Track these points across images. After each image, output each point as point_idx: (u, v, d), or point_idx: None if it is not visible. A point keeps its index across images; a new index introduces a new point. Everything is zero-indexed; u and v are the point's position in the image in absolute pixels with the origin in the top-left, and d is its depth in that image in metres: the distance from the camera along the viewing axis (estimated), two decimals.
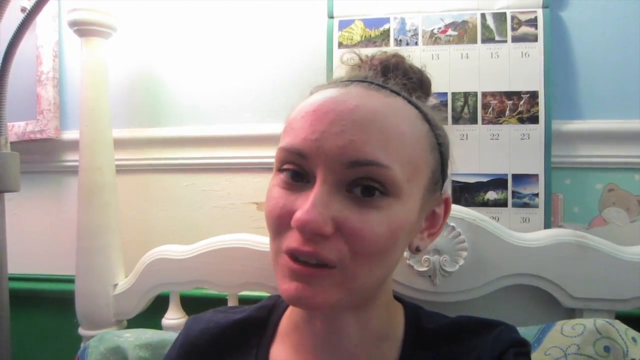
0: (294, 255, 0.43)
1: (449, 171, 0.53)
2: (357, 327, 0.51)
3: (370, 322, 0.51)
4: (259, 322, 0.58)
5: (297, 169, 0.44)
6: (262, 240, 0.80)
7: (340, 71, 0.57)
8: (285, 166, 0.45)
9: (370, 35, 0.88)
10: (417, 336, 0.53)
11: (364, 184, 0.43)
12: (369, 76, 0.50)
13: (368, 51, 0.57)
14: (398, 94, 0.48)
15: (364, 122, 0.43)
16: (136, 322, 0.87)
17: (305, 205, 0.41)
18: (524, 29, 0.83)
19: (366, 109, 0.43)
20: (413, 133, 0.46)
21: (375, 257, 0.44)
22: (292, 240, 0.43)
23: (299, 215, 0.41)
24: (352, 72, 0.52)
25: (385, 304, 0.53)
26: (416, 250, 0.51)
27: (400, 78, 0.50)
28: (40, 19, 1.02)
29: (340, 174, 0.42)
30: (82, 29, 0.86)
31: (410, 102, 0.48)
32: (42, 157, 1.08)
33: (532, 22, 0.83)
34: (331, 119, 0.43)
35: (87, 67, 0.87)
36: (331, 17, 0.90)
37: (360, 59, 0.55)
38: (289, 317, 0.57)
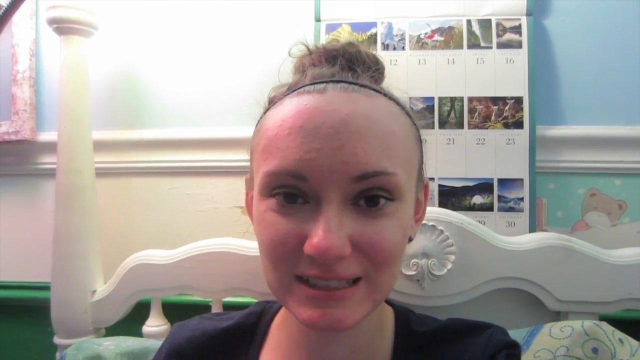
0: (310, 281, 0.41)
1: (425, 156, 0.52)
2: (353, 334, 0.50)
3: (365, 327, 0.50)
4: (247, 329, 0.56)
5: (292, 192, 0.41)
6: (246, 245, 0.79)
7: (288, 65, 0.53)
8: (278, 190, 0.42)
9: (357, 40, 0.88)
10: (408, 340, 0.52)
11: (369, 194, 0.41)
12: (336, 73, 0.46)
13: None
14: (378, 91, 0.45)
15: (361, 130, 0.40)
16: (115, 330, 0.84)
17: (319, 230, 0.39)
18: (509, 36, 0.84)
19: (359, 116, 0.41)
20: (403, 131, 0.44)
21: (395, 262, 0.43)
22: (308, 267, 0.41)
23: (316, 242, 0.38)
24: (315, 69, 0.48)
25: (378, 309, 0.52)
26: (408, 240, 0.50)
27: (367, 70, 0.48)
28: (17, 16, 0.99)
29: (346, 189, 0.40)
30: (62, 27, 0.84)
31: (389, 97, 0.46)
32: (16, 160, 1.04)
33: (517, 29, 0.84)
34: (325, 133, 0.40)
35: (67, 66, 0.85)
36: (318, 20, 0.90)
37: (309, 50, 0.51)
38: (281, 324, 0.55)
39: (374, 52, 0.52)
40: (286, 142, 0.41)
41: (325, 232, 0.38)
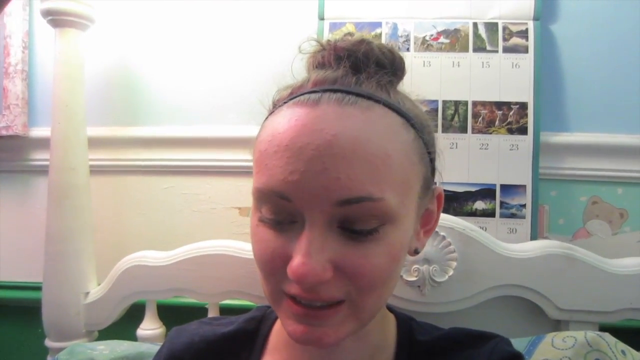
0: (297, 297, 0.41)
1: (438, 164, 0.50)
2: (355, 344, 0.49)
3: (367, 336, 0.50)
4: (247, 335, 0.56)
5: (279, 211, 0.41)
6: (244, 247, 0.78)
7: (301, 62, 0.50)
8: (267, 207, 0.42)
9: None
10: (410, 348, 0.51)
11: (357, 219, 0.40)
12: (339, 78, 0.44)
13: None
14: (377, 100, 0.42)
15: (346, 154, 0.38)
16: (108, 333, 0.82)
17: (299, 254, 0.38)
18: (515, 40, 0.83)
19: (346, 137, 0.39)
20: (400, 150, 0.41)
21: (381, 286, 0.42)
22: (292, 287, 0.41)
23: (295, 266, 0.38)
24: (319, 72, 0.46)
25: (380, 316, 0.51)
26: (415, 253, 0.49)
27: (374, 73, 0.45)
28: (10, 7, 0.97)
29: (329, 213, 0.39)
30: (57, 19, 0.82)
31: (391, 107, 0.43)
32: (8, 156, 1.02)
33: (523, 34, 0.83)
34: (309, 155, 0.38)
35: (61, 60, 0.82)
36: (322, 18, 0.89)
37: (322, 46, 0.48)
38: (281, 331, 0.54)
39: (390, 48, 0.48)
40: (273, 161, 0.40)
41: (305, 257, 0.38)
